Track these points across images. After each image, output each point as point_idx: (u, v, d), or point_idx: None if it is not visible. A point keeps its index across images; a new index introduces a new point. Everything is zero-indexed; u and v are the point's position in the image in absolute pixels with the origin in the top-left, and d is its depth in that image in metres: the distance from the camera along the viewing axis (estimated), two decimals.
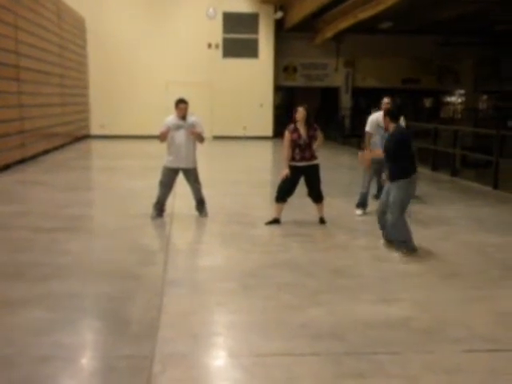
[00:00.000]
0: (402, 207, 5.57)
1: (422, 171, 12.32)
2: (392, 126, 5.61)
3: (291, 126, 6.74)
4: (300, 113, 6.68)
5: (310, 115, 6.77)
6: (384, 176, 6.28)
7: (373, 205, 7.50)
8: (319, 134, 6.77)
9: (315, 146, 6.75)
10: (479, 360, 3.41)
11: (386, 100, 7.28)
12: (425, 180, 11.22)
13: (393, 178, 5.58)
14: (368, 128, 7.43)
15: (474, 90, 23.48)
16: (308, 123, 6.71)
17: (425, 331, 3.78)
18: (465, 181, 10.90)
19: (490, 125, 18.21)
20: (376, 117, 7.35)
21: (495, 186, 9.74)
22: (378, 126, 7.28)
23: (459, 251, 5.87)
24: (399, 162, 5.53)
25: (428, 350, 3.50)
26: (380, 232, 5.96)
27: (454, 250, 5.92)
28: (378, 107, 7.78)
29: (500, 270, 5.22)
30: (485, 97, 25.17)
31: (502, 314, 4.14)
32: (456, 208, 8.18)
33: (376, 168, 7.34)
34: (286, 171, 6.75)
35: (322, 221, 6.89)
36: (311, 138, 6.71)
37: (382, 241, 5.97)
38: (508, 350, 3.56)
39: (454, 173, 11.45)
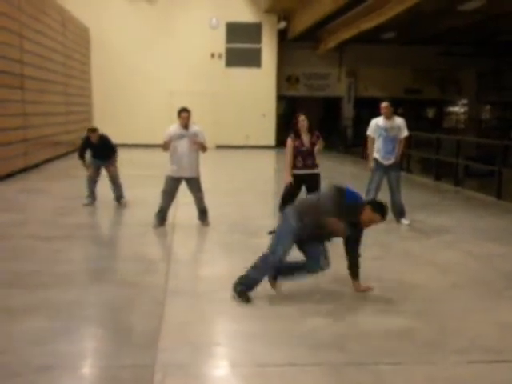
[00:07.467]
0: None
1: (425, 181, 12.35)
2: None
3: (294, 134, 6.81)
4: (303, 121, 6.76)
5: (312, 123, 6.87)
6: None
7: None
8: (319, 141, 6.86)
9: (316, 150, 6.81)
10: (482, 371, 3.38)
11: (384, 104, 7.29)
12: (428, 190, 11.22)
13: None
14: (369, 132, 7.50)
15: (476, 100, 23.50)
16: (310, 131, 6.81)
17: (427, 342, 3.75)
18: (468, 191, 10.88)
19: (493, 135, 18.19)
20: (376, 120, 7.41)
21: (499, 196, 9.71)
22: (378, 128, 7.34)
23: (462, 261, 5.85)
24: None
25: (430, 361, 3.47)
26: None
27: (458, 259, 5.90)
28: None
29: (504, 281, 5.20)
30: (488, 107, 25.19)
31: (506, 325, 4.10)
32: (459, 218, 8.16)
33: (381, 175, 7.37)
34: (289, 179, 6.77)
35: None
36: (313, 145, 6.78)
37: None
38: (511, 361, 3.52)
39: (457, 183, 11.43)
